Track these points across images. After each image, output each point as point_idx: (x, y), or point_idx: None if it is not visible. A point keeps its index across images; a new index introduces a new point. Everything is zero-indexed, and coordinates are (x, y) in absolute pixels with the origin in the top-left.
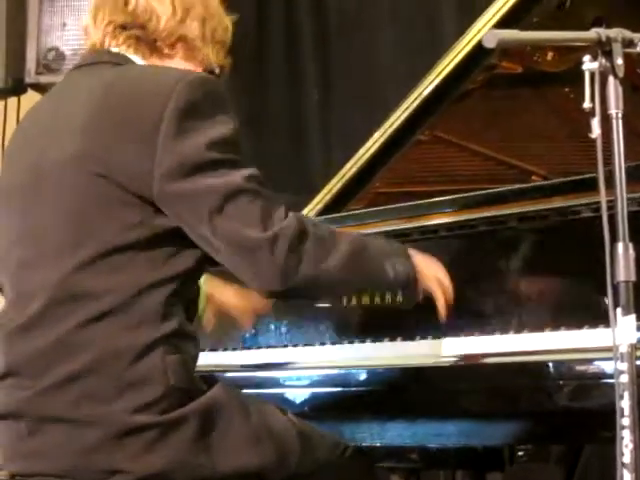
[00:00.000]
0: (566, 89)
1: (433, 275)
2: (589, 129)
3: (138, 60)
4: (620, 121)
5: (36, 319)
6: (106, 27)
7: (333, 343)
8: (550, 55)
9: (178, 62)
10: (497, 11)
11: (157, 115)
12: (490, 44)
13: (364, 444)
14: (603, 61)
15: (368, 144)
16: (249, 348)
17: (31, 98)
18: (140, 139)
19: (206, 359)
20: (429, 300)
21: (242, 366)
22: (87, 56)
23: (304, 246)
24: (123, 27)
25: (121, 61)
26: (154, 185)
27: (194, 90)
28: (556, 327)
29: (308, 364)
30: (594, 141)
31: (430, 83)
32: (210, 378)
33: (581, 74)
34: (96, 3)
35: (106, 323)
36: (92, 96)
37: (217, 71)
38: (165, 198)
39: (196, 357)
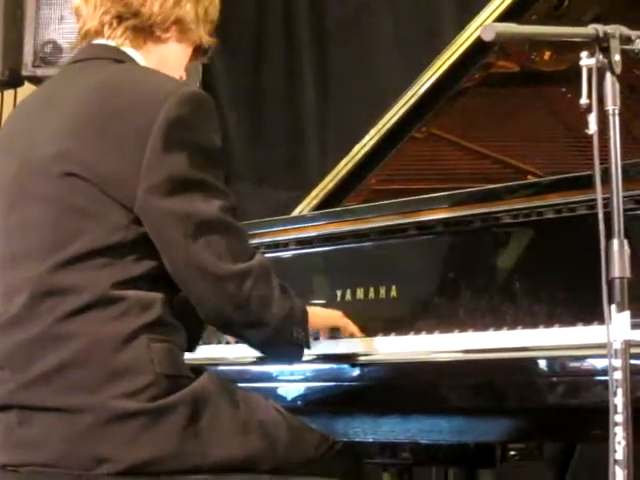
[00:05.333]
0: (563, 89)
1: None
2: (586, 127)
3: (133, 53)
4: (617, 117)
5: (20, 313)
6: (102, 16)
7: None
8: (547, 54)
9: (172, 45)
10: (495, 8)
11: (146, 127)
12: (488, 37)
13: (357, 439)
14: (600, 57)
15: (364, 141)
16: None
17: (28, 91)
18: (127, 150)
19: (198, 352)
20: (422, 296)
21: (236, 359)
22: (84, 50)
23: (268, 286)
24: (119, 17)
25: (118, 57)
26: (137, 197)
27: (184, 105)
28: (550, 324)
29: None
30: (590, 141)
31: (427, 80)
32: (198, 369)
33: (578, 73)
34: None
35: (87, 316)
36: (83, 97)
37: (207, 48)
38: (146, 211)
39: (184, 346)
